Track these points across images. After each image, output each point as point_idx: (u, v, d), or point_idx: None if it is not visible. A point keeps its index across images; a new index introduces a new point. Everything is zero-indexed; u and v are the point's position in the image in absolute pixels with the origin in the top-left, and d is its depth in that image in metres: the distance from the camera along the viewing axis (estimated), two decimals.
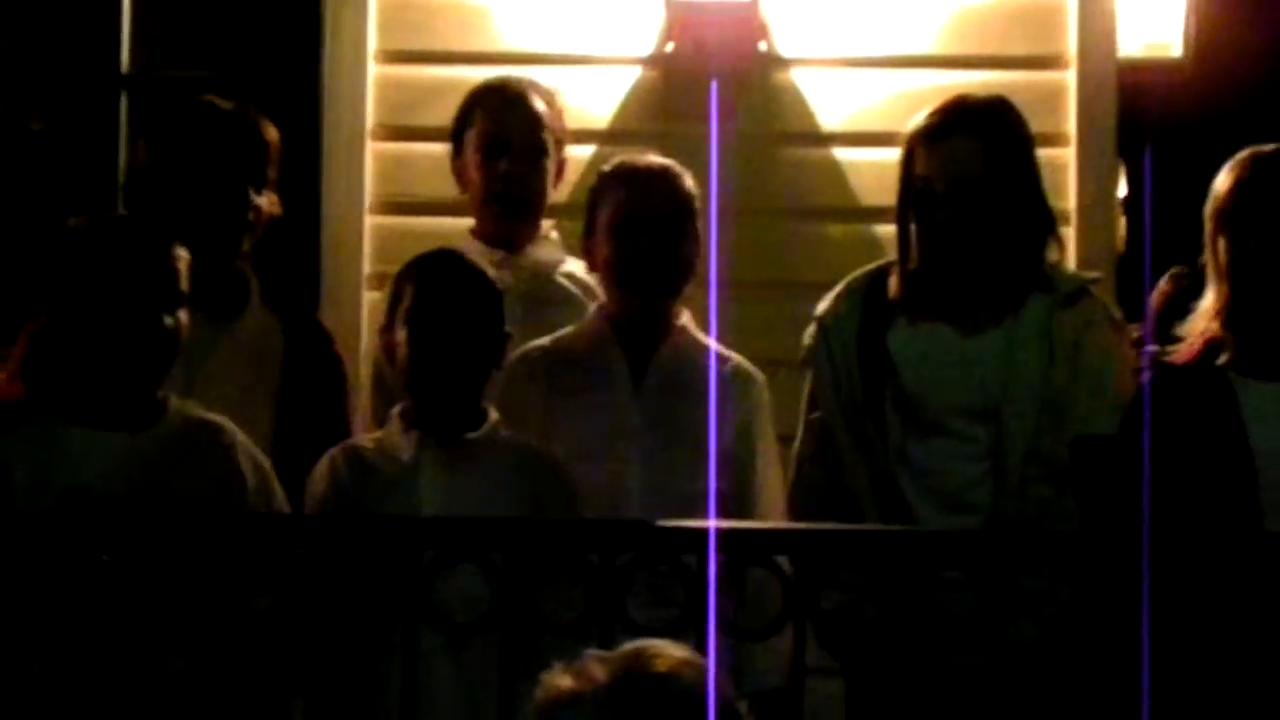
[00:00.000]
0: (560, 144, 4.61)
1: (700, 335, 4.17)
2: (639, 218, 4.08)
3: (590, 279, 4.36)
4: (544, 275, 4.52)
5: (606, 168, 4.25)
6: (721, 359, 4.15)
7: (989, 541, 3.69)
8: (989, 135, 3.95)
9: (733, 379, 4.15)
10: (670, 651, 2.15)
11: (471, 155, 4.55)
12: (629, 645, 2.17)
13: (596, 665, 2.14)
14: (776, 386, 4.28)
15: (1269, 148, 3.79)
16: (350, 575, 3.59)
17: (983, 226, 3.91)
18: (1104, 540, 3.63)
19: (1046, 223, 4.03)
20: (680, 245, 4.09)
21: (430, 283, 3.90)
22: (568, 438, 4.06)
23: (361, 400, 4.45)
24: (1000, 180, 3.92)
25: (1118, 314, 4.08)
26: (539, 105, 4.57)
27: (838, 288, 4.09)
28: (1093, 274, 4.19)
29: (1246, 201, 3.72)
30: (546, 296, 4.45)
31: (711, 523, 3.59)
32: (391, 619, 3.49)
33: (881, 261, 4.12)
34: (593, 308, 4.25)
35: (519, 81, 4.63)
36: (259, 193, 4.22)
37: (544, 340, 4.19)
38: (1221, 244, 3.75)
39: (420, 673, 3.48)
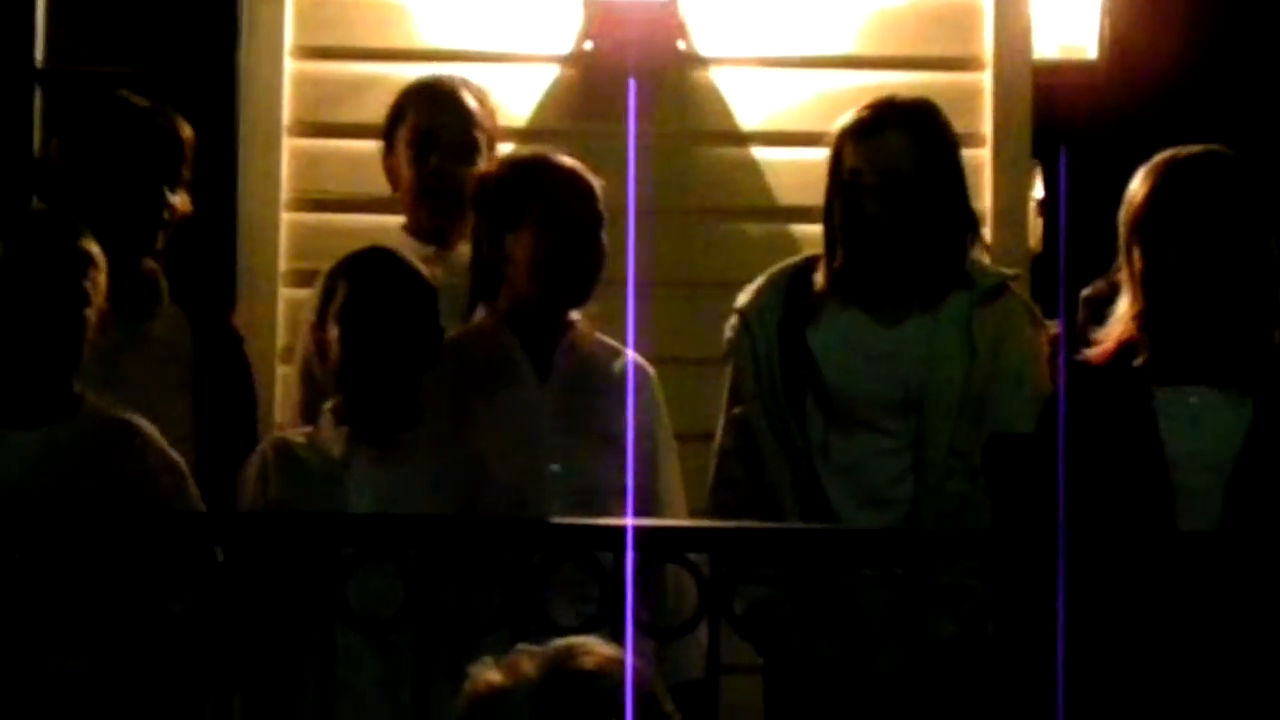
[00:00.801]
0: (492, 142, 4.61)
1: (591, 331, 4.17)
2: (571, 217, 4.07)
3: None
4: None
5: (516, 161, 4.23)
6: (618, 354, 4.15)
7: (905, 539, 3.71)
8: (919, 132, 3.98)
9: (627, 370, 4.15)
10: (600, 649, 2.15)
11: (403, 151, 4.54)
12: (559, 642, 2.17)
13: (526, 661, 2.14)
14: (695, 385, 4.29)
15: (1184, 153, 3.77)
16: (271, 572, 3.57)
17: (910, 220, 3.93)
18: (1017, 539, 3.65)
19: (970, 221, 4.06)
20: (600, 246, 4.09)
21: (363, 280, 3.89)
22: (480, 434, 4.05)
23: (291, 396, 4.44)
24: (929, 176, 3.95)
25: (1037, 311, 4.10)
26: (471, 103, 4.57)
27: (759, 280, 4.10)
28: (1012, 270, 4.21)
29: (1162, 210, 3.72)
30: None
31: (629, 521, 3.59)
32: (312, 616, 3.47)
33: (804, 255, 4.13)
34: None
35: (451, 79, 4.63)
36: (172, 192, 4.19)
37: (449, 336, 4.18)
38: (1136, 252, 3.75)
39: (344, 670, 3.47)
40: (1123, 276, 3.80)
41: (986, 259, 4.62)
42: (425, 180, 4.51)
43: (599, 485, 3.95)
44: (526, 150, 4.30)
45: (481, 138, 4.56)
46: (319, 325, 3.95)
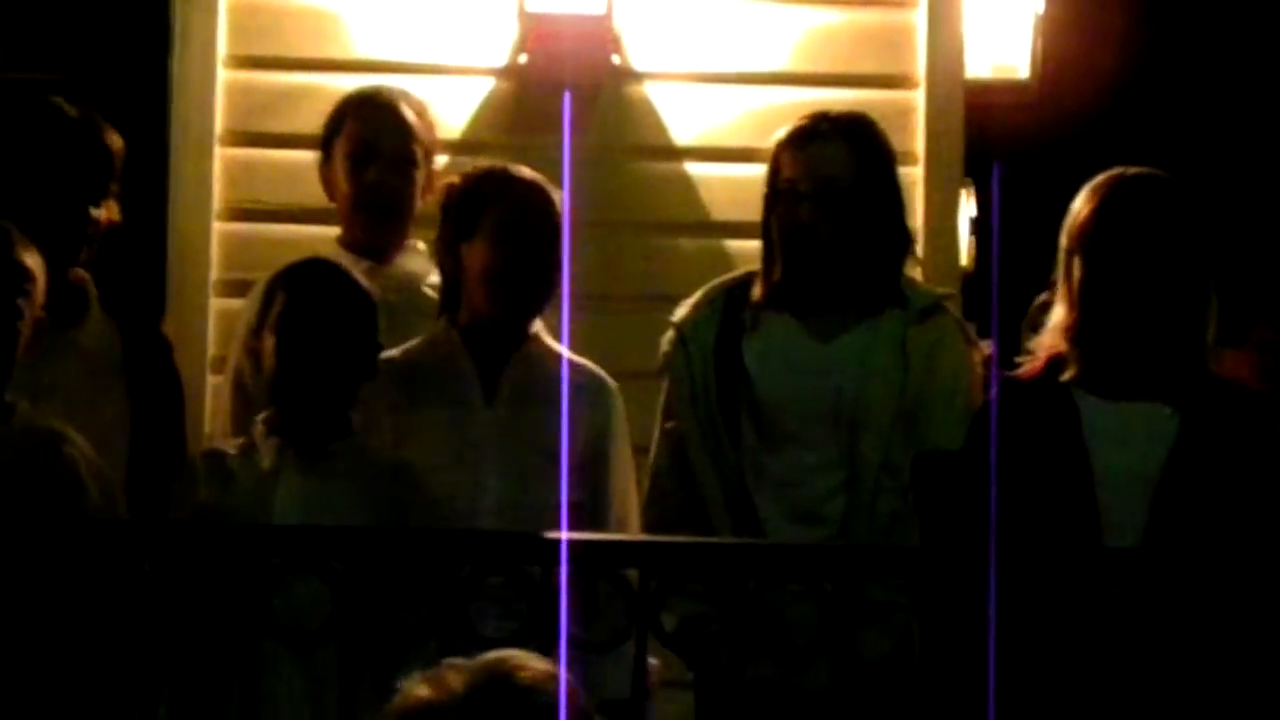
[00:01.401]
0: (430, 155, 4.58)
1: (554, 344, 4.15)
2: (525, 229, 4.06)
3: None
4: (411, 287, 4.48)
5: (476, 172, 4.21)
6: (575, 368, 4.14)
7: (833, 555, 3.71)
8: (856, 143, 4.00)
9: (587, 388, 4.14)
10: (531, 663, 2.13)
11: (340, 163, 4.51)
12: (488, 655, 2.15)
13: (454, 675, 2.11)
14: (627, 400, 4.29)
15: (1130, 171, 3.82)
16: (198, 582, 3.55)
17: (845, 229, 3.94)
18: (944, 556, 3.67)
19: (905, 237, 4.07)
20: (555, 260, 4.07)
21: (302, 291, 3.87)
22: (421, 451, 4.03)
23: (223, 406, 4.41)
24: (865, 188, 3.96)
25: (971, 331, 4.12)
26: (410, 116, 4.54)
27: (696, 295, 4.10)
28: (946, 290, 4.23)
29: (1107, 224, 3.76)
30: (413, 308, 4.40)
31: (564, 535, 3.58)
32: (238, 627, 3.46)
33: (743, 271, 4.14)
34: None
35: (390, 91, 4.61)
36: (99, 203, 4.17)
37: (394, 351, 4.17)
38: (1077, 265, 3.78)
39: (269, 681, 3.45)
40: (1059, 290, 3.83)
41: (919, 276, 4.65)
42: (362, 193, 4.49)
43: (542, 504, 3.92)
44: (488, 163, 4.26)
45: (420, 151, 4.54)
46: (256, 333, 3.93)
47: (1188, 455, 3.70)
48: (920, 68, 5.10)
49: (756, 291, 4.02)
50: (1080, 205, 3.79)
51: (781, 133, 4.05)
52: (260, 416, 3.91)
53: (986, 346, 4.10)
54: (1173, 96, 9.33)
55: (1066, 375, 3.79)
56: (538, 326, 4.16)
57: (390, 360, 4.13)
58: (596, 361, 4.28)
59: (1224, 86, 9.41)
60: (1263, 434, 3.79)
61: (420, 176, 4.52)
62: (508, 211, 4.07)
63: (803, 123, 4.03)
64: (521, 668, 2.11)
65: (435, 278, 4.50)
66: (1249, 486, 3.71)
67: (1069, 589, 3.58)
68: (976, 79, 5.34)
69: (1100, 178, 3.81)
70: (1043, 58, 5.54)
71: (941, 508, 3.81)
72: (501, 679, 2.10)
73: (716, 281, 4.12)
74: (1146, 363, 3.75)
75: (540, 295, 4.08)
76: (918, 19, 5.10)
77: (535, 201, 4.07)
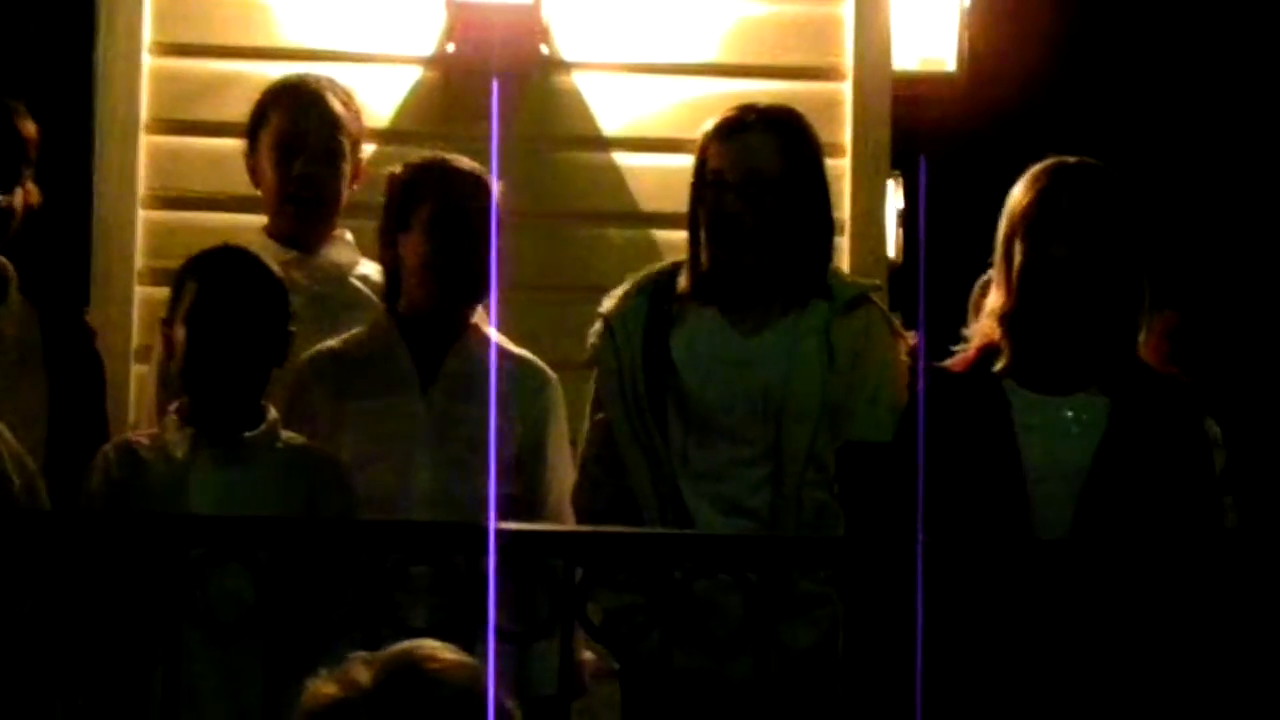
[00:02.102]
0: (357, 145, 4.55)
1: (493, 334, 4.14)
2: (460, 222, 4.04)
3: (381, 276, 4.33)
4: (338, 277, 4.47)
5: (414, 163, 4.19)
6: (514, 359, 4.13)
7: (760, 545, 3.72)
8: (783, 135, 3.99)
9: (525, 379, 4.13)
10: (441, 653, 2.11)
11: (266, 154, 4.48)
12: (396, 646, 2.13)
13: (361, 669, 2.09)
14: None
15: (1070, 159, 3.85)
16: (115, 573, 3.53)
17: (772, 220, 3.94)
18: (870, 546, 3.68)
19: (830, 230, 4.07)
20: (489, 249, 4.06)
21: (211, 280, 3.85)
22: (355, 441, 4.02)
23: (147, 395, 4.38)
24: (791, 180, 3.96)
25: (896, 323, 4.12)
26: (337, 106, 4.50)
27: (625, 285, 4.09)
28: (872, 281, 4.23)
29: (1049, 209, 3.79)
30: (340, 299, 4.40)
31: (491, 525, 3.57)
32: (156, 618, 3.44)
33: (671, 261, 4.14)
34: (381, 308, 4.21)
35: (317, 80, 4.57)
36: (11, 189, 4.13)
37: (333, 342, 4.15)
38: (1017, 250, 3.80)
39: (189, 672, 3.43)
40: (996, 277, 3.85)
41: (846, 268, 4.66)
42: (289, 185, 4.46)
43: (475, 497, 3.90)
44: (429, 153, 4.24)
45: (346, 142, 4.51)
46: (168, 323, 3.91)
47: (1116, 447, 3.72)
48: (848, 60, 5.11)
49: (683, 282, 4.03)
50: (1020, 191, 3.82)
51: (709, 124, 4.05)
52: (173, 406, 3.89)
53: (912, 337, 4.10)
54: (1098, 89, 9.38)
55: (998, 365, 3.81)
56: (478, 316, 4.15)
57: (330, 350, 4.12)
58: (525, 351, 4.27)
59: (1147, 79, 9.47)
60: (1191, 425, 3.82)
61: (347, 168, 4.50)
62: (443, 205, 4.06)
63: (730, 114, 4.03)
64: (430, 658, 2.09)
65: (363, 268, 4.49)
66: (1176, 477, 3.74)
67: (996, 580, 3.59)
68: (904, 71, 5.36)
69: (1040, 165, 3.84)
70: (969, 51, 5.55)
71: (868, 498, 3.82)
72: (410, 669, 2.07)
73: (644, 272, 4.12)
74: (1079, 352, 3.78)
75: (477, 286, 4.08)
76: (845, 11, 5.11)
77: (471, 194, 4.06)
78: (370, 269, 4.44)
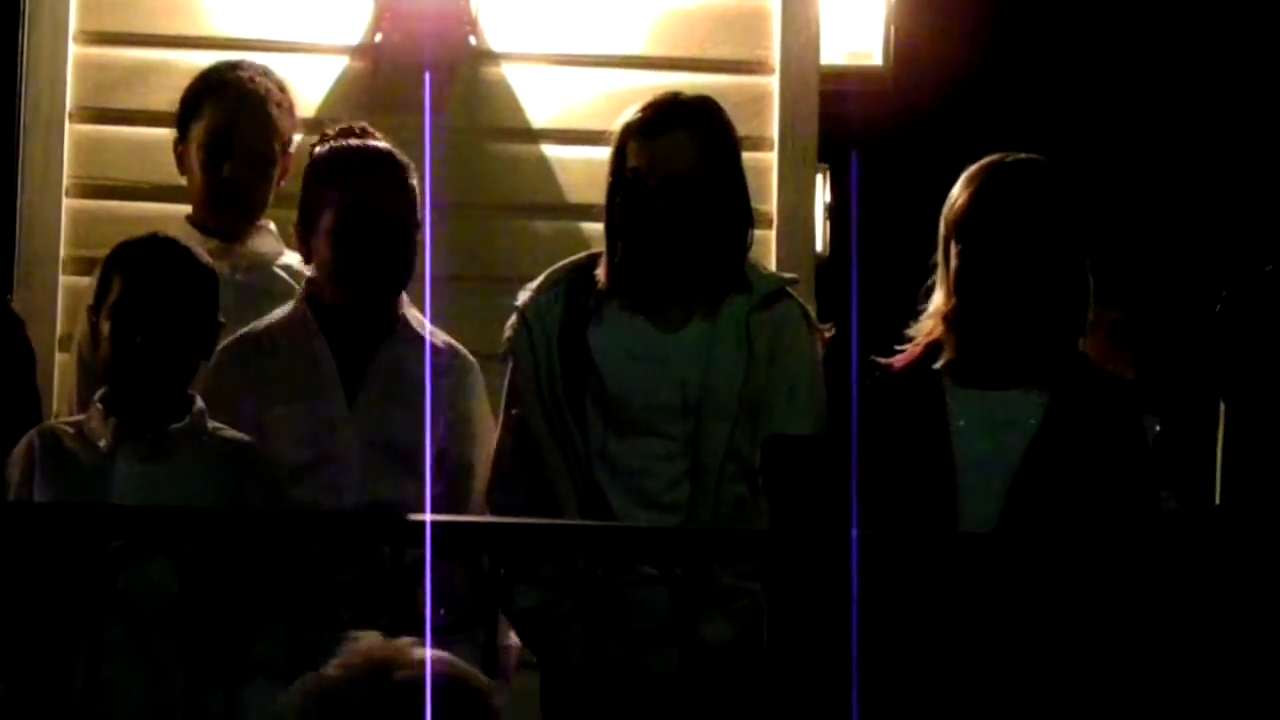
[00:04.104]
0: (288, 144, 4.51)
1: (420, 327, 4.11)
2: (366, 222, 3.98)
3: (306, 270, 4.31)
4: (262, 267, 4.44)
5: (323, 149, 4.15)
6: (438, 351, 4.08)
7: (685, 538, 3.72)
8: (703, 132, 3.97)
9: (449, 371, 4.10)
10: (417, 653, 2.10)
11: (195, 150, 4.44)
12: (366, 648, 2.11)
13: (351, 663, 2.08)
14: (488, 380, 4.26)
15: (1009, 158, 3.86)
16: (36, 564, 3.50)
17: (694, 221, 3.92)
18: (795, 539, 3.69)
19: (748, 222, 4.06)
20: (411, 241, 4.02)
21: (136, 272, 3.82)
22: (278, 430, 3.98)
23: (68, 383, 4.35)
24: (712, 177, 3.95)
25: (814, 316, 4.11)
26: (271, 109, 4.44)
27: (540, 279, 4.07)
28: (790, 275, 4.23)
29: (983, 211, 3.80)
30: (264, 288, 4.36)
31: (427, 517, 3.56)
32: (77, 609, 3.42)
33: (586, 253, 4.12)
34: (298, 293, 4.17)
35: (253, 79, 4.48)
36: None
37: (255, 325, 4.11)
38: (955, 251, 3.82)
39: (109, 663, 3.42)
40: (938, 275, 3.87)
41: (773, 262, 4.67)
42: (216, 187, 4.42)
43: (407, 505, 3.88)
44: (342, 141, 4.17)
45: (278, 145, 4.46)
46: (94, 312, 3.88)
47: (1050, 442, 3.74)
48: (776, 53, 5.12)
49: (601, 276, 4.00)
50: (958, 192, 3.84)
51: (628, 117, 4.01)
52: (97, 395, 3.86)
53: (829, 330, 4.10)
54: (1024, 84, 9.43)
55: (940, 362, 3.83)
56: (406, 305, 4.10)
57: (253, 337, 4.06)
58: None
59: (1074, 74, 9.52)
60: (1127, 421, 3.84)
61: (276, 170, 4.46)
62: (347, 210, 4.00)
63: (650, 111, 3.99)
64: (410, 654, 2.08)
65: (286, 258, 4.47)
66: (1110, 473, 3.76)
67: (925, 574, 3.62)
68: (831, 66, 5.37)
69: (977, 164, 3.86)
70: (896, 45, 5.57)
71: (793, 492, 3.83)
72: (391, 667, 2.06)
73: (560, 265, 4.09)
74: (1021, 350, 3.80)
75: (392, 284, 4.03)
76: (773, 5, 5.12)
77: (378, 191, 4.00)
78: (293, 259, 4.42)
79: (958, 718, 3.65)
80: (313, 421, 3.99)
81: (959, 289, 3.81)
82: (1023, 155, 3.87)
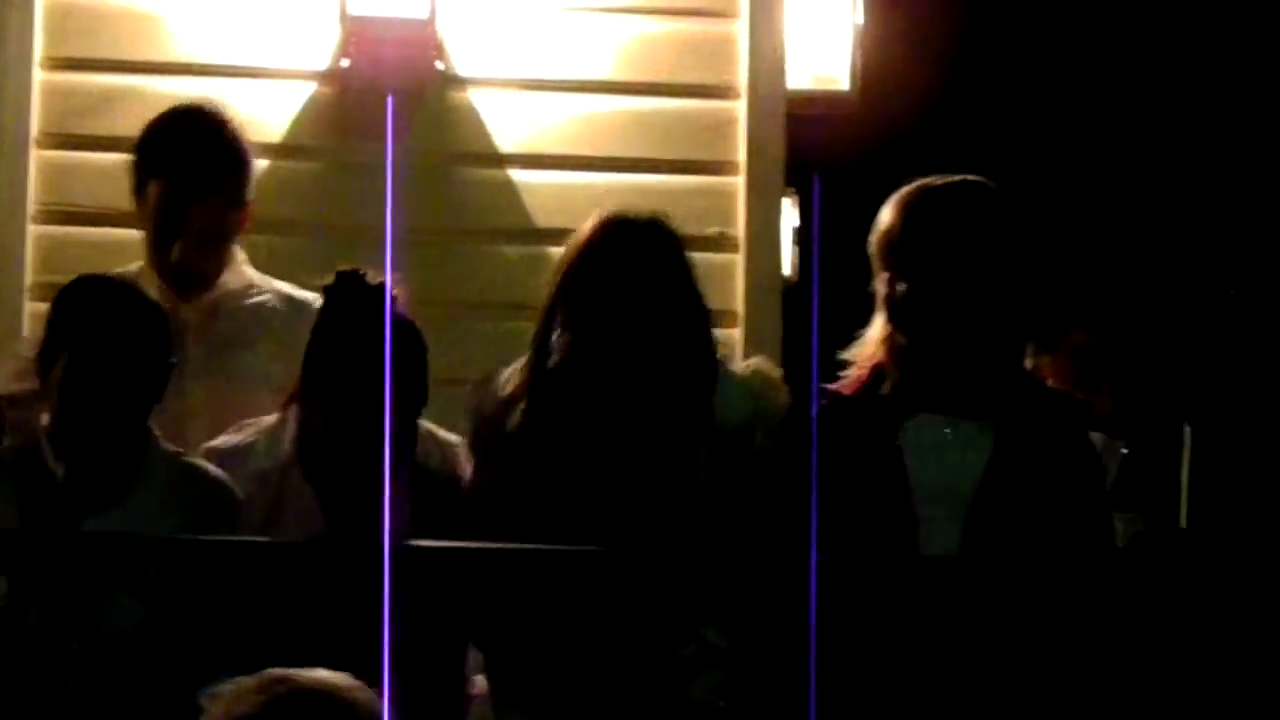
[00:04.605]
0: (246, 191, 4.26)
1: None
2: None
3: (276, 293, 4.26)
4: (231, 305, 4.26)
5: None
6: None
7: (646, 560, 3.73)
8: (651, 261, 3.80)
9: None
10: (315, 674, 2.10)
11: (146, 221, 4.23)
12: (269, 672, 2.11)
13: (245, 695, 2.08)
14: (447, 407, 4.26)
15: (933, 183, 3.83)
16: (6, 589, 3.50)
17: (642, 358, 3.75)
18: (756, 563, 3.69)
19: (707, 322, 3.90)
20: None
21: (84, 320, 3.72)
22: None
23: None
24: (662, 310, 3.78)
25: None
26: (225, 179, 4.20)
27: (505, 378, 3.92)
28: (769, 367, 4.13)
29: (908, 238, 3.78)
30: (233, 326, 4.22)
31: (386, 542, 3.54)
32: (40, 635, 3.41)
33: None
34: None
35: (205, 145, 4.22)
36: None
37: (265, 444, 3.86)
38: (884, 278, 3.80)
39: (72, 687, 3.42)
40: (877, 299, 3.85)
41: (740, 284, 4.65)
42: (164, 266, 4.20)
43: None
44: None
45: (232, 221, 4.24)
46: (42, 364, 3.76)
47: (1003, 467, 3.74)
48: (742, 78, 5.13)
49: (511, 387, 3.82)
50: (885, 217, 3.81)
51: (581, 234, 3.83)
52: (45, 428, 3.74)
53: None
54: (990, 108, 9.47)
55: (886, 387, 3.82)
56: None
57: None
58: None
59: (1039, 98, 9.56)
60: (1075, 440, 3.84)
61: (231, 241, 4.26)
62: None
63: (598, 236, 3.81)
64: (307, 678, 2.08)
65: (258, 284, 4.36)
66: (1062, 496, 3.76)
67: (884, 597, 3.62)
68: (798, 90, 5.38)
69: (904, 189, 3.83)
70: (862, 69, 5.59)
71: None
72: (290, 691, 2.06)
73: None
74: (961, 376, 3.79)
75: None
76: (740, 30, 5.14)
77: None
78: (264, 284, 4.31)
79: None
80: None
81: (892, 317, 3.79)
82: (951, 178, 3.84)
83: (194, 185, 4.19)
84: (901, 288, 3.76)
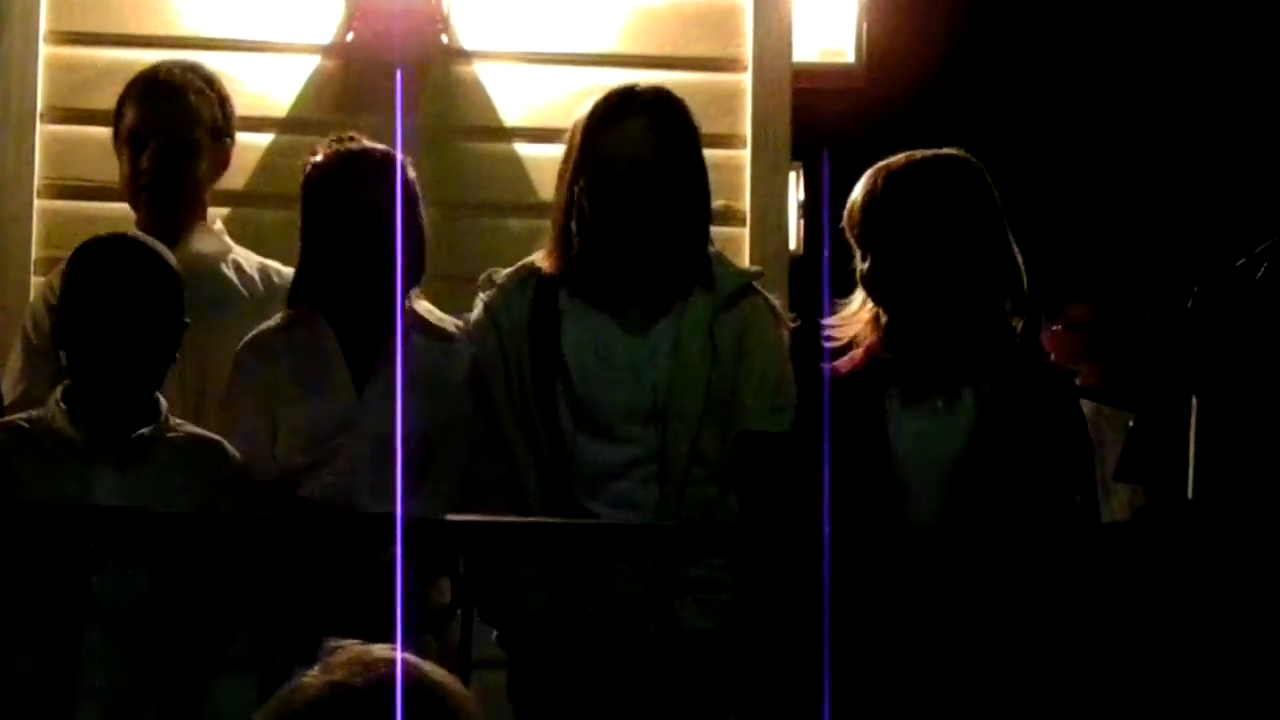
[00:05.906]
0: (221, 134, 4.43)
1: (432, 318, 4.04)
2: (362, 232, 3.91)
3: (276, 267, 4.29)
4: (201, 271, 4.30)
5: (318, 171, 4.00)
6: (441, 338, 4.02)
7: (656, 535, 3.73)
8: (662, 119, 3.92)
9: (461, 353, 4.02)
10: (391, 660, 2.08)
11: (120, 147, 4.41)
12: (362, 649, 2.08)
13: (347, 670, 2.05)
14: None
15: (898, 161, 3.86)
16: (9, 565, 3.49)
17: (655, 209, 3.88)
18: (767, 537, 3.70)
19: (708, 217, 4.02)
20: (391, 234, 3.94)
21: (103, 274, 3.76)
22: (291, 428, 3.94)
23: (12, 364, 4.30)
24: (673, 165, 3.91)
25: (779, 309, 4.07)
26: (191, 98, 4.38)
27: (505, 274, 4.02)
28: (755, 269, 4.20)
29: (873, 216, 3.82)
30: (204, 293, 4.21)
31: (398, 513, 3.54)
32: (52, 612, 3.41)
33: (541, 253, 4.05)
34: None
35: (170, 71, 4.43)
36: None
37: (273, 321, 4.05)
38: (857, 255, 3.86)
39: (86, 668, 3.42)
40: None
41: (746, 258, 4.66)
42: (134, 179, 4.36)
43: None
44: (336, 147, 4.08)
45: (203, 136, 4.38)
46: (59, 313, 3.82)
47: (988, 436, 3.75)
48: (748, 51, 5.13)
49: (548, 267, 3.94)
50: (854, 195, 3.87)
51: (586, 109, 3.96)
52: (58, 392, 3.79)
53: (793, 319, 4.07)
54: (997, 80, 9.45)
55: (861, 354, 3.87)
56: (416, 299, 4.02)
57: (272, 331, 4.00)
58: None
59: (1047, 71, 9.54)
60: (1061, 411, 3.86)
61: (204, 162, 4.38)
62: (343, 221, 3.94)
63: (609, 101, 3.93)
64: (417, 665, 2.06)
65: (235, 255, 4.41)
66: (1048, 463, 3.78)
67: (888, 570, 3.63)
68: (803, 63, 5.38)
69: (873, 167, 3.87)
70: (868, 43, 5.58)
71: (763, 489, 3.83)
72: (409, 677, 2.04)
73: (528, 260, 4.04)
74: (940, 346, 3.81)
75: (390, 285, 3.87)
76: (745, 2, 5.13)
77: (372, 200, 3.91)
78: (243, 256, 4.39)
79: (928, 712, 3.66)
80: (323, 418, 3.94)
81: (868, 292, 3.84)
82: (922, 154, 3.86)
83: (159, 98, 4.36)
84: (866, 265, 3.78)
